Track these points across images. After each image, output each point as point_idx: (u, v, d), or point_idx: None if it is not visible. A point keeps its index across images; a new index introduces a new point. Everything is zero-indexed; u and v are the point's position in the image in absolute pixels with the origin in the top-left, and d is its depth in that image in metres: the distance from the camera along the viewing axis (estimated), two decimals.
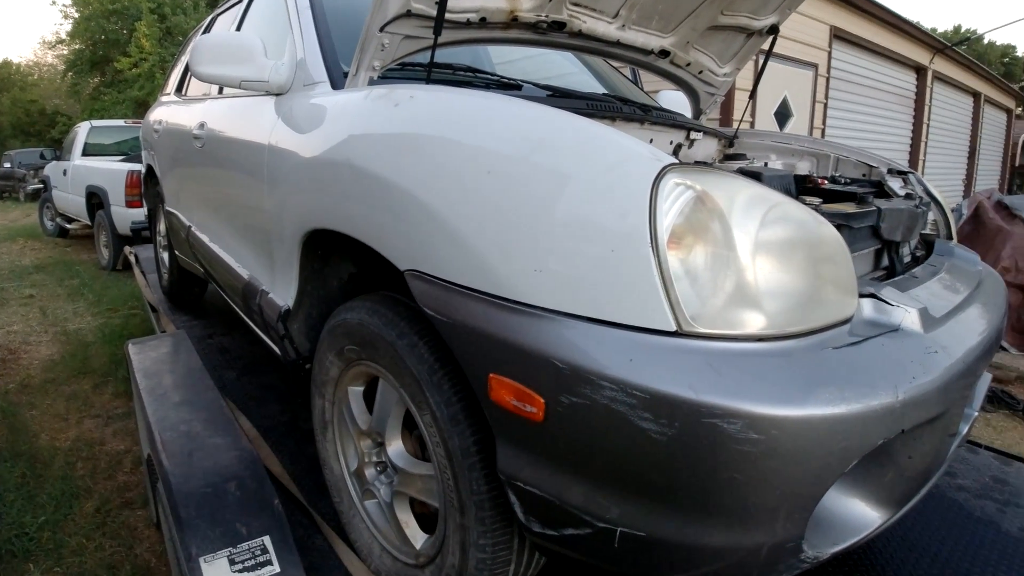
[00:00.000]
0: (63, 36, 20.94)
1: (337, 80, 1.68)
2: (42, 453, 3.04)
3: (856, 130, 8.31)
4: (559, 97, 1.99)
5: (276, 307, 1.71)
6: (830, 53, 7.49)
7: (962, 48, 11.51)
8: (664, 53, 2.25)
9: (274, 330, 1.76)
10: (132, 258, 5.10)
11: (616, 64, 2.68)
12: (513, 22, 1.72)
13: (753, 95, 2.81)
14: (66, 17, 19.89)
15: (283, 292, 1.71)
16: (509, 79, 1.89)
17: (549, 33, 1.84)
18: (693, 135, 2.35)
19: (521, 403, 0.94)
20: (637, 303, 0.89)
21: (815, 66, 7.23)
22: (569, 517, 0.96)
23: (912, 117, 10.03)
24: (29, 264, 8.05)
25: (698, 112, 2.69)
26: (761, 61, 2.43)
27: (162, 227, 3.93)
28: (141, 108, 16.06)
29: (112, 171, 7.10)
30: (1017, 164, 16.12)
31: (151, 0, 15.13)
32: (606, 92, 2.37)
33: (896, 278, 1.46)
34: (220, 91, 2.69)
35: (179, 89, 3.65)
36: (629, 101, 2.33)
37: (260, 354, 2.94)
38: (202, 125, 2.53)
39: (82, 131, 8.88)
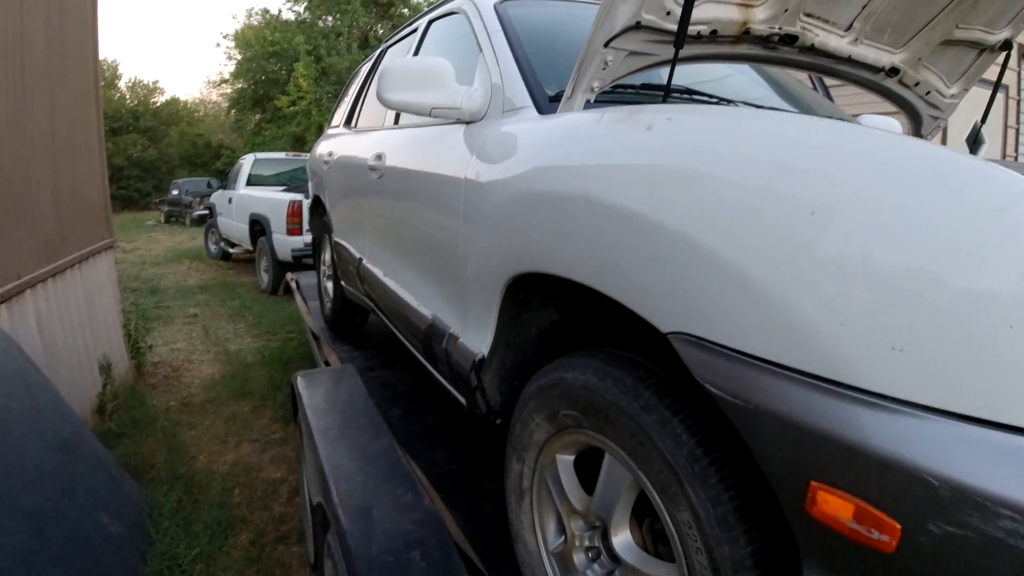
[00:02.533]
0: (226, 76, 23.07)
1: (542, 104, 1.53)
2: (199, 477, 3.10)
3: None
4: None
5: (469, 355, 1.56)
6: (1020, 73, 6.65)
7: None
8: (894, 71, 1.96)
9: (462, 379, 1.61)
10: (293, 284, 5.30)
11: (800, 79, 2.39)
12: (744, 35, 1.49)
13: (985, 119, 2.41)
14: (230, 58, 21.93)
15: (476, 338, 1.56)
16: (724, 99, 1.67)
17: (779, 48, 1.60)
18: None
19: (863, 527, 0.70)
20: None
21: (1006, 88, 6.43)
22: None
23: None
24: (194, 284, 8.71)
25: (918, 137, 2.33)
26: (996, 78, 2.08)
27: (327, 257, 4.00)
28: (298, 142, 17.28)
29: (274, 200, 7.55)
30: None
31: (308, 43, 16.30)
32: (827, 114, 2.08)
33: None
34: (396, 121, 2.66)
35: (348, 122, 3.72)
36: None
37: (423, 391, 2.85)
38: (379, 156, 2.48)
39: (247, 162, 9.57)
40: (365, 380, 2.87)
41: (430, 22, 2.71)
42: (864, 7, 1.63)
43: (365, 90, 3.60)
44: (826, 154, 0.82)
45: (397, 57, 3.08)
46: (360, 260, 2.84)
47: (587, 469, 1.25)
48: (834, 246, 0.75)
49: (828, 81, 2.29)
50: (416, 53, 2.71)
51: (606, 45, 1.30)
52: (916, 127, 2.29)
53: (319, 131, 16.49)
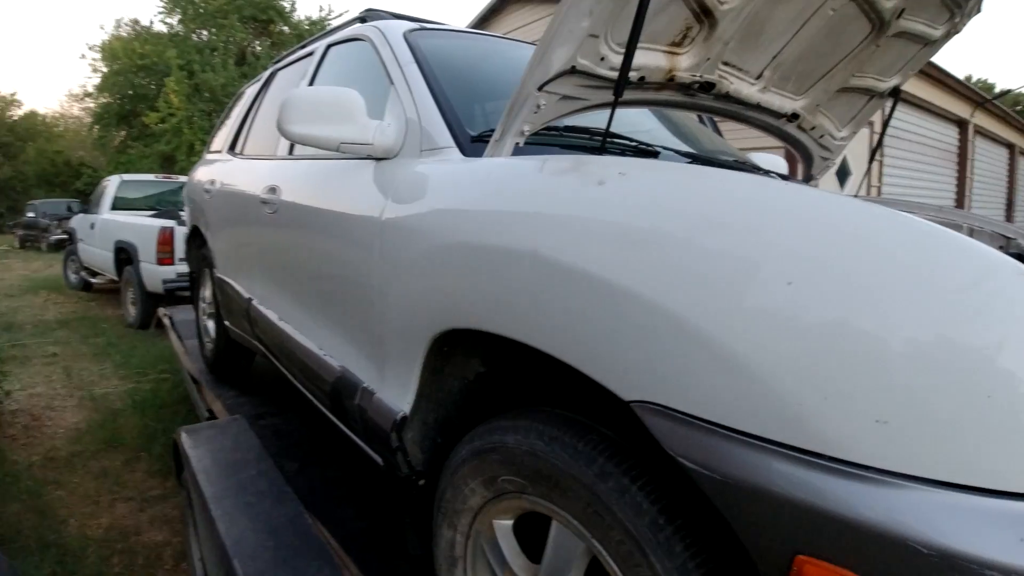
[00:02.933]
0: (90, 89, 21.30)
1: (465, 145, 1.45)
2: (73, 544, 2.75)
3: (908, 187, 8.14)
4: (702, 164, 1.77)
5: (389, 413, 1.44)
6: (883, 111, 7.36)
7: (999, 100, 11.45)
8: (794, 116, 2.06)
9: (379, 438, 1.48)
10: (167, 321, 4.87)
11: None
12: (668, 82, 1.49)
13: (872, 159, 2.60)
14: (95, 71, 20.27)
15: (396, 395, 1.44)
16: (647, 145, 1.66)
17: (698, 95, 1.62)
18: None
19: None
20: None
21: (871, 123, 7.08)
22: None
23: (956, 171, 9.88)
24: (52, 319, 7.86)
25: (808, 177, 2.49)
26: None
27: (208, 293, 3.70)
28: (168, 162, 16.17)
29: (143, 226, 6.96)
30: None
31: (181, 57, 15.35)
32: (729, 158, 2.15)
33: None
34: (291, 151, 2.49)
35: (232, 147, 3.47)
36: (759, 169, 2.13)
37: (320, 440, 2.65)
38: (273, 189, 2.31)
39: (112, 184, 8.81)
40: (256, 430, 2.64)
41: (329, 46, 2.57)
42: (774, 57, 1.68)
43: (252, 114, 3.39)
44: (802, 220, 0.79)
45: (290, 82, 2.91)
46: (250, 301, 2.62)
47: (527, 533, 1.17)
48: (815, 318, 0.72)
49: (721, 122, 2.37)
50: (313, 79, 2.56)
51: (540, 88, 1.24)
52: (808, 167, 2.42)
53: (190, 151, 15.54)
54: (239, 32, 16.64)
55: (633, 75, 1.38)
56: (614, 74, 1.31)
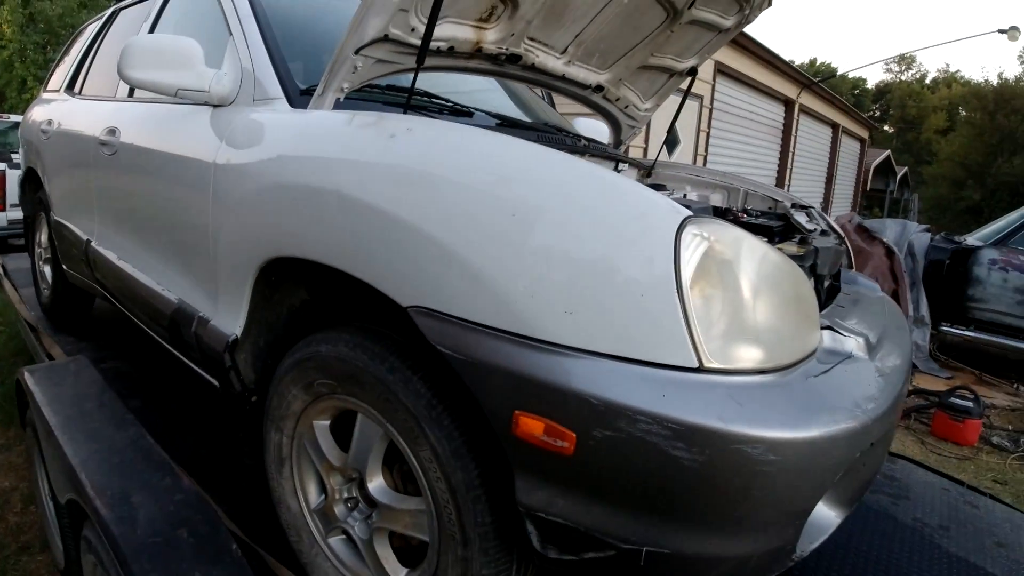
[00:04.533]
0: None
1: (294, 98, 1.62)
2: None
3: (733, 157, 8.97)
4: (509, 126, 2.03)
5: (222, 336, 1.60)
6: (713, 86, 8.05)
7: (825, 82, 12.74)
8: (599, 88, 2.36)
9: (215, 360, 1.65)
10: (1, 270, 4.58)
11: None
12: (476, 53, 1.73)
13: (671, 130, 2.98)
14: None
15: (228, 320, 1.61)
16: (462, 106, 1.90)
17: (506, 65, 1.87)
18: (620, 166, 2.48)
19: (551, 438, 0.96)
20: (665, 343, 0.95)
21: (701, 97, 7.72)
22: (592, 542, 1.00)
23: (780, 145, 10.96)
24: None
25: (618, 142, 2.83)
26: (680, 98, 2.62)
27: (43, 238, 3.57)
28: None
29: None
30: (868, 188, 18.03)
31: None
32: (545, 121, 2.43)
33: (827, 309, 1.59)
34: (130, 93, 2.50)
35: (71, 86, 3.34)
36: (565, 131, 2.41)
37: (161, 379, 2.72)
38: (112, 131, 2.33)
39: None
40: (99, 373, 2.68)
41: None
42: (576, 36, 1.95)
43: (93, 53, 3.27)
44: (530, 170, 1.08)
45: (133, 23, 2.87)
46: (88, 242, 2.62)
47: (340, 432, 1.41)
48: (530, 239, 1.00)
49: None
50: (155, 24, 2.57)
51: (356, 52, 1.43)
52: (617, 133, 2.76)
53: (22, 87, 14.03)
54: None
55: (442, 45, 1.60)
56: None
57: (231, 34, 1.90)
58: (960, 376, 5.26)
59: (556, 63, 2.02)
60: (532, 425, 0.98)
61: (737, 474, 0.91)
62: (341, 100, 1.53)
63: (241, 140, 1.59)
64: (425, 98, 1.82)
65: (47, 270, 3.51)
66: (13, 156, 6.64)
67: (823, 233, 2.17)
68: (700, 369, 0.94)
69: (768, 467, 0.91)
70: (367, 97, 1.67)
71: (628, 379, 0.94)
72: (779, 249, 1.53)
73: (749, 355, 1.00)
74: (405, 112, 1.47)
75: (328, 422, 1.42)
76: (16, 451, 3.10)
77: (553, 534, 1.03)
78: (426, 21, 1.50)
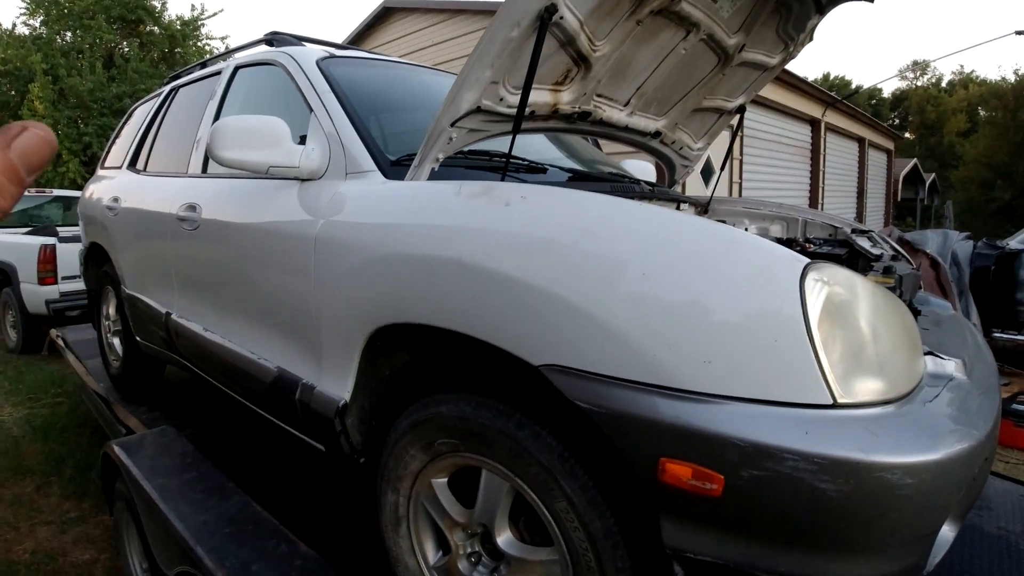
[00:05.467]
0: None
1: (387, 169, 1.70)
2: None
3: (767, 181, 9.01)
4: (581, 178, 2.10)
5: (330, 402, 1.66)
6: (743, 115, 8.14)
7: (848, 99, 12.81)
8: (657, 133, 2.45)
9: (322, 426, 1.70)
10: (60, 342, 4.73)
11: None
12: (553, 114, 1.81)
13: (724, 166, 3.05)
14: None
15: (336, 386, 1.67)
16: (537, 163, 1.98)
17: (577, 122, 1.96)
18: (682, 206, 2.55)
19: (699, 481, 1.00)
20: (800, 383, 0.99)
21: (731, 126, 7.80)
22: None
23: (810, 165, 10.99)
24: None
25: (672, 182, 2.91)
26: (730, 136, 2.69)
27: (111, 310, 3.70)
28: None
29: (21, 245, 6.60)
30: (899, 199, 17.92)
31: (45, 62, 14.32)
32: (603, 169, 2.51)
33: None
34: (204, 169, 2.62)
35: (133, 164, 3.50)
36: (627, 178, 2.49)
37: (245, 444, 2.79)
38: (193, 207, 2.44)
39: None
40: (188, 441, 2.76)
41: (237, 68, 2.72)
42: (638, 88, 2.04)
43: (155, 131, 3.43)
44: (653, 231, 1.13)
45: (196, 100, 3.01)
46: (167, 315, 2.72)
47: (457, 487, 1.45)
48: (661, 295, 1.05)
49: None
50: (223, 100, 2.70)
51: (452, 124, 1.52)
52: (671, 173, 2.83)
53: (57, 160, 14.52)
54: (106, 33, 15.68)
55: (525, 110, 1.68)
56: (510, 110, 1.61)
57: (312, 110, 2.00)
58: (1017, 381, 5.17)
59: (620, 115, 2.10)
60: (679, 470, 1.02)
61: (879, 500, 0.96)
62: (436, 169, 1.61)
63: (343, 213, 1.66)
64: (501, 159, 1.90)
65: (116, 342, 3.63)
66: (59, 230, 6.88)
67: (894, 258, 2.20)
68: (835, 405, 0.99)
69: (906, 490, 0.96)
70: (452, 163, 1.75)
71: (771, 420, 0.99)
72: (875, 283, 1.58)
73: (874, 387, 1.05)
74: (503, 176, 1.54)
75: (446, 479, 1.46)
76: (92, 523, 3.17)
77: (700, 573, 1.07)
78: (513, 91, 1.59)
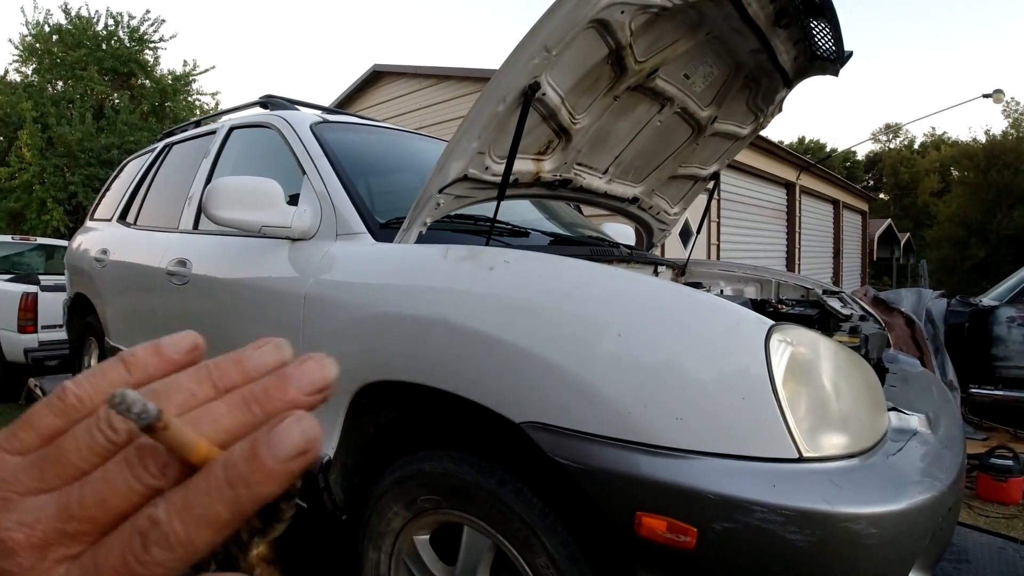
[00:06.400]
0: None
1: (376, 232, 1.77)
2: None
3: (744, 242, 9.23)
4: (562, 242, 2.19)
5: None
6: (717, 180, 8.43)
7: (821, 163, 13.25)
8: (635, 199, 2.56)
9: (305, 483, 1.73)
10: (38, 391, 4.68)
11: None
12: (535, 182, 1.91)
13: (700, 229, 3.17)
14: None
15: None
16: (520, 227, 2.07)
17: (558, 189, 2.06)
18: (659, 269, 2.65)
19: (674, 535, 1.05)
20: (766, 439, 1.06)
21: (708, 190, 8.04)
22: None
23: (786, 227, 11.29)
24: None
25: (650, 245, 3.01)
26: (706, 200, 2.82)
27: (92, 361, 3.70)
28: (16, 220, 15.00)
29: (2, 292, 6.56)
30: (875, 259, 18.36)
31: (35, 109, 14.47)
32: (584, 233, 2.61)
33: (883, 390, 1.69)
34: (195, 225, 2.68)
35: (123, 217, 3.56)
36: (607, 241, 2.59)
37: None
38: (183, 262, 2.49)
39: None
40: None
41: (232, 129, 2.81)
42: (616, 157, 2.16)
43: (147, 185, 3.50)
44: (628, 295, 1.21)
45: (189, 158, 3.10)
46: None
47: (440, 544, 1.48)
48: (636, 356, 1.12)
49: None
50: (216, 159, 2.79)
51: (440, 191, 1.61)
52: (649, 236, 2.94)
53: (41, 208, 14.53)
54: (98, 84, 15.92)
55: (509, 178, 1.78)
56: (495, 178, 1.71)
57: (305, 173, 2.09)
58: (996, 436, 5.25)
59: (599, 182, 2.21)
60: (654, 524, 1.07)
61: (845, 549, 1.01)
62: (423, 232, 1.68)
63: (332, 272, 1.73)
64: (485, 223, 1.98)
65: None
66: (41, 278, 6.86)
67: (862, 318, 2.29)
68: (801, 459, 1.05)
69: (871, 539, 1.01)
70: (439, 227, 1.83)
71: (740, 474, 1.05)
72: (840, 342, 1.66)
73: (838, 442, 1.12)
74: (488, 239, 1.63)
75: (428, 536, 1.49)
76: None
77: None
78: (498, 160, 1.68)
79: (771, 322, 1.13)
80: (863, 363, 1.28)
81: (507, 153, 1.63)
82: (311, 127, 2.27)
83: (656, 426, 1.09)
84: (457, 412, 1.41)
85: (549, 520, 1.22)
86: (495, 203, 1.72)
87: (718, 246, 8.38)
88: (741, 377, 1.08)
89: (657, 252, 3.17)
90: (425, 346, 1.39)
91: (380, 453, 1.69)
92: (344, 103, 10.50)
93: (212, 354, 0.28)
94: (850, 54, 2.20)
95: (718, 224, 8.44)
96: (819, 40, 2.05)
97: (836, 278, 14.28)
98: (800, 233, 11.63)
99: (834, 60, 2.16)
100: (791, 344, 1.12)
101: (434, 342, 1.37)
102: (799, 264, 11.45)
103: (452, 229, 1.91)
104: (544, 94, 1.63)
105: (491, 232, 1.66)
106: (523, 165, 1.82)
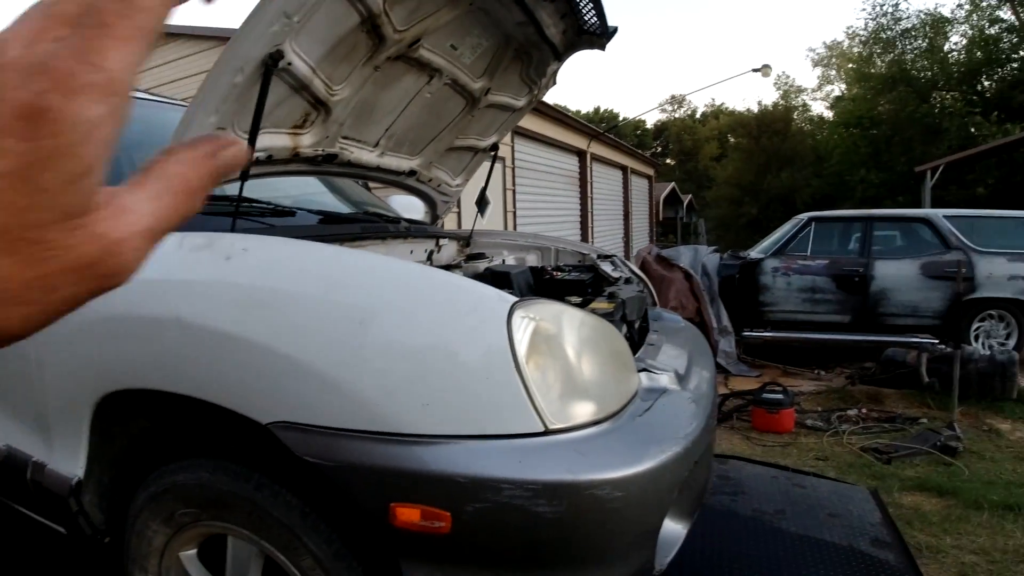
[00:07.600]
0: None
1: None
2: None
3: (539, 209, 9.61)
4: (332, 221, 2.10)
5: (63, 480, 1.48)
6: (513, 147, 8.64)
7: (611, 132, 14.11)
8: (412, 172, 2.52)
9: (57, 507, 1.52)
10: None
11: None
12: (294, 158, 1.79)
13: (482, 198, 3.21)
14: None
15: (67, 462, 1.49)
16: (284, 207, 1.95)
17: (323, 164, 1.96)
18: (441, 242, 2.65)
19: (428, 522, 1.04)
20: (512, 416, 1.07)
21: (503, 159, 8.24)
22: None
23: (579, 193, 11.92)
24: None
25: (435, 217, 3.00)
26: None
27: None
28: None
29: None
30: (661, 219, 20.09)
31: None
32: (365, 209, 2.53)
33: (640, 351, 1.83)
34: None
35: None
36: (385, 217, 2.54)
37: None
38: None
39: None
40: None
41: None
42: (387, 130, 2.10)
43: None
44: (368, 279, 1.17)
45: None
46: None
47: (208, 558, 1.37)
48: (379, 344, 1.09)
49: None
50: None
51: None
52: (433, 210, 2.93)
53: None
54: None
55: (261, 155, 1.66)
56: None
57: None
58: (768, 372, 6.00)
59: (370, 156, 2.14)
60: (408, 513, 1.05)
61: (593, 515, 1.06)
62: None
63: None
64: (247, 204, 1.84)
65: None
66: None
67: (627, 281, 2.46)
68: (546, 432, 1.08)
69: (616, 503, 1.06)
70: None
71: (488, 454, 1.05)
72: (592, 309, 1.75)
73: (584, 410, 1.16)
74: (233, 223, 1.50)
75: (195, 551, 1.37)
76: None
77: None
78: (244, 135, 1.55)
79: (512, 299, 1.14)
80: (610, 330, 1.33)
81: (250, 129, 1.51)
82: None
83: (402, 415, 1.07)
84: (210, 417, 1.30)
85: (311, 520, 1.17)
86: (239, 183, 1.59)
87: (514, 213, 8.63)
88: (485, 356, 1.08)
89: (447, 224, 3.16)
90: (162, 349, 1.25)
91: (138, 467, 1.53)
92: None
93: None
94: (615, 29, 2.32)
95: (513, 192, 8.69)
96: (585, 15, 2.12)
97: (627, 237, 15.42)
98: (592, 198, 12.34)
99: (600, 35, 2.26)
100: (534, 319, 1.14)
101: (171, 344, 1.23)
102: (592, 227, 12.17)
103: (206, 212, 1.74)
104: (290, 63, 1.52)
105: (236, 214, 1.53)
106: (277, 140, 1.70)
